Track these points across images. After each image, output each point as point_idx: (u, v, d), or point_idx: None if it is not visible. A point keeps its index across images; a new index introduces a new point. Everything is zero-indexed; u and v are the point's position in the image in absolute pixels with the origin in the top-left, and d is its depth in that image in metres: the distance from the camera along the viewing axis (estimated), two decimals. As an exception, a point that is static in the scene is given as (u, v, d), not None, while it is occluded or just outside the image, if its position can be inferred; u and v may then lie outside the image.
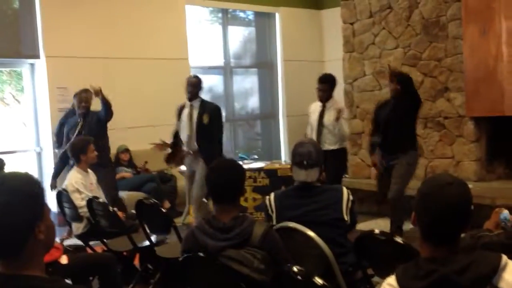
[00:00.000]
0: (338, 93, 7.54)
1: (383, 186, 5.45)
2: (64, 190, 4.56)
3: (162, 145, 5.86)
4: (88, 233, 4.55)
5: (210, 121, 5.60)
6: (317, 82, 5.90)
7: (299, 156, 3.07)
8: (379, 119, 5.44)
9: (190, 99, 5.66)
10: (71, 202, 4.51)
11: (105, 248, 4.49)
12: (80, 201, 4.47)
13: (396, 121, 5.24)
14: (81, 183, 4.56)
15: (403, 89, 5.17)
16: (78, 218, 4.53)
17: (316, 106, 5.93)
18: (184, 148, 5.75)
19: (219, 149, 5.69)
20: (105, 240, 4.46)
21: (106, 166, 5.98)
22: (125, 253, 4.56)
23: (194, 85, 5.66)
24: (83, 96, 6.11)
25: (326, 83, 5.82)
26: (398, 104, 5.23)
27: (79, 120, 6.05)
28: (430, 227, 1.69)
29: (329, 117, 5.74)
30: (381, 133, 5.38)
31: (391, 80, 5.28)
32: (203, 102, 5.75)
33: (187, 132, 5.64)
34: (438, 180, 1.72)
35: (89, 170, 4.80)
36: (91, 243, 4.60)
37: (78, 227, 4.59)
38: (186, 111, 5.68)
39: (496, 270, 1.61)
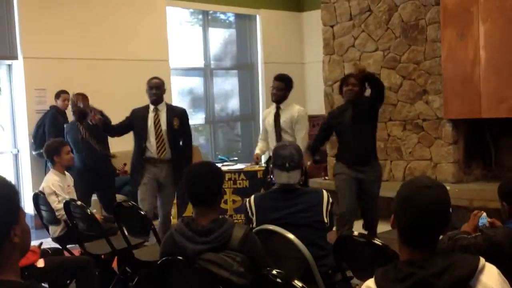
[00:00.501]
0: (319, 95, 7.61)
1: (352, 203, 4.83)
2: (41, 192, 4.50)
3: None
4: (66, 236, 4.49)
5: (180, 125, 5.25)
6: (272, 81, 5.44)
7: (281, 159, 3.08)
8: (336, 128, 4.95)
9: (155, 102, 5.25)
10: (48, 204, 4.44)
11: (83, 251, 4.44)
12: (57, 204, 4.40)
13: (359, 128, 4.74)
14: (58, 185, 4.50)
15: (361, 90, 4.76)
16: (55, 221, 4.47)
17: (270, 110, 5.46)
18: (149, 155, 5.19)
19: (188, 157, 5.31)
20: (82, 243, 4.41)
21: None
22: (103, 256, 4.52)
23: (159, 87, 5.28)
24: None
25: (282, 81, 5.32)
26: (358, 108, 4.75)
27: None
28: (409, 230, 1.70)
29: (285, 119, 5.27)
30: (342, 143, 5.00)
31: (356, 80, 4.74)
32: (169, 105, 5.45)
33: (154, 138, 5.16)
34: (417, 183, 1.73)
35: (66, 172, 4.74)
36: (68, 246, 4.54)
37: (55, 230, 4.53)
38: (151, 115, 5.21)
39: (473, 272, 1.62)
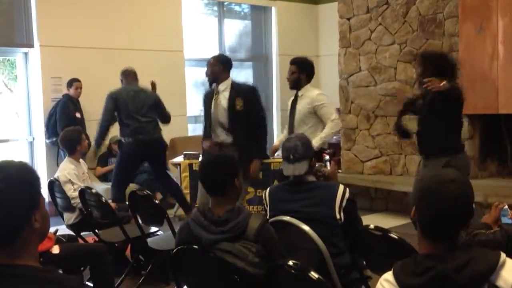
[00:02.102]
0: (334, 88, 7.57)
1: None
2: (56, 180, 4.53)
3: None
4: (80, 224, 4.52)
5: (244, 106, 4.73)
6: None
7: (286, 151, 3.07)
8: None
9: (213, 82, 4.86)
10: (63, 192, 4.47)
11: (97, 239, 4.47)
12: (72, 192, 4.43)
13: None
14: (73, 173, 4.51)
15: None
16: (70, 208, 4.50)
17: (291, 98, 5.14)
18: (209, 141, 4.82)
19: (261, 143, 4.87)
20: (97, 231, 4.44)
21: None
22: (116, 245, 4.55)
23: (212, 65, 4.86)
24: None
25: (294, 64, 5.05)
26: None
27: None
28: (430, 224, 1.68)
29: (301, 107, 4.97)
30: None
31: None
32: (233, 84, 4.90)
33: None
34: (440, 176, 1.71)
35: (81, 160, 4.76)
36: (82, 233, 4.57)
37: (69, 218, 4.56)
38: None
39: (494, 268, 1.60)
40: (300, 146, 3.05)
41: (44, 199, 1.54)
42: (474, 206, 1.69)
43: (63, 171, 4.53)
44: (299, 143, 3.07)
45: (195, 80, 9.06)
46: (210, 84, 4.99)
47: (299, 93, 5.04)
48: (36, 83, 7.11)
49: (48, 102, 7.03)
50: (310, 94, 5.01)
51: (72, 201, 4.43)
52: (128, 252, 4.65)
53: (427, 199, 1.68)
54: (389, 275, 1.72)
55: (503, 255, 1.63)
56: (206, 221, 2.49)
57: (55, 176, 4.59)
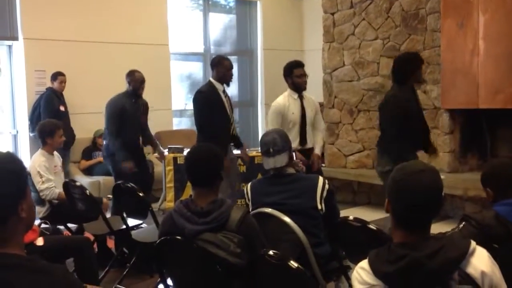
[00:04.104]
0: (318, 83, 7.63)
1: None
2: (28, 173, 4.49)
3: None
4: (50, 217, 4.52)
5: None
6: (297, 66, 4.97)
7: (264, 145, 3.13)
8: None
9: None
10: (34, 185, 4.43)
11: (69, 233, 4.48)
12: (41, 185, 4.40)
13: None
14: (43, 165, 4.47)
15: None
16: (40, 201, 4.48)
17: (287, 100, 4.94)
18: None
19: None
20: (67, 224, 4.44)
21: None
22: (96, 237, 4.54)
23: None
24: (141, 76, 5.68)
25: (302, 67, 5.00)
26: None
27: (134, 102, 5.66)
28: (403, 213, 1.74)
29: (311, 111, 5.00)
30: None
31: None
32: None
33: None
34: (411, 167, 1.77)
35: (55, 152, 4.70)
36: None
37: (40, 211, 4.54)
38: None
39: (464, 255, 1.66)
40: (278, 138, 3.12)
41: (30, 189, 1.57)
42: (443, 194, 1.76)
43: (34, 163, 4.49)
44: (277, 135, 3.15)
45: (180, 74, 9.07)
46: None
47: (303, 95, 5.01)
48: (20, 76, 7.08)
49: (32, 95, 7.01)
50: (309, 98, 5.07)
51: (41, 193, 4.41)
52: (111, 244, 4.67)
53: (399, 190, 1.74)
54: (364, 263, 1.78)
55: (473, 243, 1.70)
56: (189, 212, 2.52)
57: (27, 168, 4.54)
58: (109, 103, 5.60)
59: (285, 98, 4.97)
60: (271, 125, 4.86)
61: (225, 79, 5.08)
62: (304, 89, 4.97)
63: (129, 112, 5.52)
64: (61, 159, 4.86)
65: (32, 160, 4.59)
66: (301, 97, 4.97)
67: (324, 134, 5.10)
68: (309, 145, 5.01)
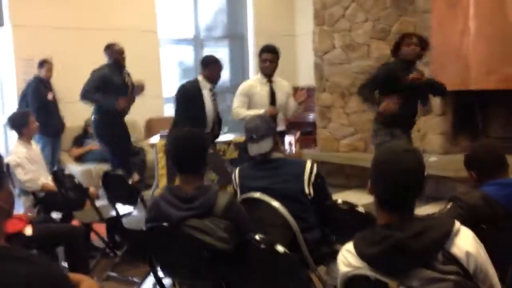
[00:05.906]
0: (310, 66, 7.59)
1: None
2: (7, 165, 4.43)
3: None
4: (40, 206, 4.46)
5: None
6: (264, 51, 4.99)
7: (248, 132, 3.10)
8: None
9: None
10: (13, 176, 4.36)
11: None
12: (23, 176, 4.35)
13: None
14: (24, 157, 4.41)
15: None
16: (24, 192, 4.45)
17: (256, 83, 5.04)
18: None
19: None
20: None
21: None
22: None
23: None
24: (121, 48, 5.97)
25: (274, 53, 4.98)
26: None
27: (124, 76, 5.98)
28: (386, 194, 1.72)
29: (281, 96, 5.04)
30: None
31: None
32: None
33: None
34: (393, 148, 1.75)
35: (32, 141, 4.65)
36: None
37: (25, 201, 4.51)
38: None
39: (448, 235, 1.65)
40: (260, 124, 3.08)
41: (7, 177, 1.55)
42: (426, 174, 1.74)
43: (14, 155, 4.42)
44: (259, 121, 3.12)
45: (171, 60, 9.00)
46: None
47: (273, 80, 5.04)
48: (8, 64, 7.01)
49: (20, 82, 6.94)
50: (281, 83, 5.12)
51: (26, 184, 4.38)
52: (93, 235, 4.62)
53: (382, 170, 1.72)
54: (350, 245, 1.77)
55: (457, 223, 1.68)
56: (174, 199, 2.51)
57: (6, 160, 4.37)
58: (92, 71, 5.89)
59: (255, 81, 5.09)
60: (236, 104, 5.03)
61: (214, 80, 5.23)
62: (269, 75, 4.99)
63: (116, 83, 5.78)
64: (38, 146, 4.90)
65: (12, 152, 4.52)
66: (270, 81, 5.01)
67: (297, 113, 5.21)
68: (280, 128, 4.96)
